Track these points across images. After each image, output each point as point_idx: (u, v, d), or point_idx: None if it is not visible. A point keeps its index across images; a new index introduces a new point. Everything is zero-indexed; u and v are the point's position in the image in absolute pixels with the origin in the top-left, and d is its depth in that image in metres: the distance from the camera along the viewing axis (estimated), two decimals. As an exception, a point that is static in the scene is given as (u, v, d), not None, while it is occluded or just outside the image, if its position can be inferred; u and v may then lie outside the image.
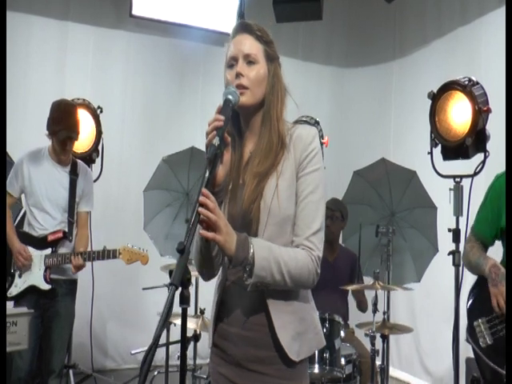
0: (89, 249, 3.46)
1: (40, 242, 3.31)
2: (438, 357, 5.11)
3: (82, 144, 3.95)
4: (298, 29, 5.94)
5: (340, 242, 4.44)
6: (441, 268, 4.13)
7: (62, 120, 3.30)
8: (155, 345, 1.22)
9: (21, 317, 2.82)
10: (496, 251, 2.48)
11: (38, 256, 3.30)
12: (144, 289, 3.68)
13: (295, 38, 5.85)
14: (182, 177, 4.56)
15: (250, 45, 1.73)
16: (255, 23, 1.76)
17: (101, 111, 4.04)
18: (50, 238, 3.31)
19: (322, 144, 4.54)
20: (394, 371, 5.69)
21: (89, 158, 4.02)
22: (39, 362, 3.20)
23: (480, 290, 2.35)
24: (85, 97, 4.17)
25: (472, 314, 2.38)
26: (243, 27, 1.75)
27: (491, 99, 4.23)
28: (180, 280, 1.32)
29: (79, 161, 3.59)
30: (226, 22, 5.31)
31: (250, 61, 1.73)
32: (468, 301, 2.40)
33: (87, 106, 4.02)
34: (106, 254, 3.29)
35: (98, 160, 4.12)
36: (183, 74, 5.71)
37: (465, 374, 3.71)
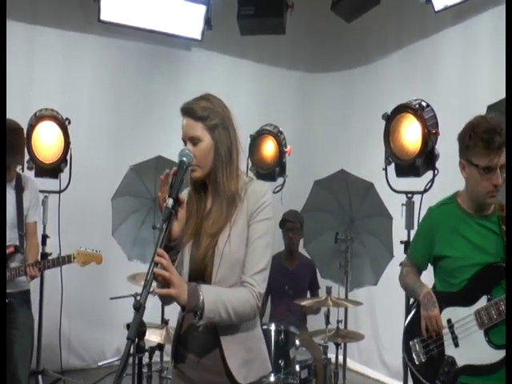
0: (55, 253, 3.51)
1: None
2: (395, 351, 5.35)
3: (51, 155, 4.04)
4: (265, 34, 6.06)
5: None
6: (396, 272, 4.37)
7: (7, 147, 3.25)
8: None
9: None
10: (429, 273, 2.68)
11: None
12: (111, 298, 3.82)
13: (261, 43, 5.94)
14: (149, 183, 4.69)
15: (191, 128, 1.95)
16: (194, 102, 1.97)
17: (69, 122, 4.10)
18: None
19: (284, 152, 4.75)
20: (353, 364, 5.98)
21: (57, 168, 4.11)
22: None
23: (416, 312, 2.53)
24: (52, 102, 4.23)
25: (408, 334, 2.53)
26: (184, 111, 1.97)
27: (446, 112, 4.46)
28: (136, 334, 1.49)
29: (22, 173, 3.64)
30: (193, 27, 5.41)
31: (194, 142, 1.95)
32: (405, 322, 2.59)
33: (55, 117, 4.05)
34: (62, 261, 3.41)
35: (67, 169, 4.20)
36: (150, 78, 5.77)
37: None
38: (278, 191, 4.82)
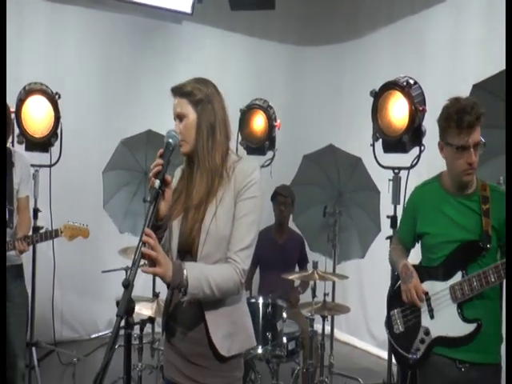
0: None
1: None
2: (382, 322, 5.51)
3: (41, 129, 4.04)
4: (256, 6, 6.02)
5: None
6: (384, 245, 4.46)
7: None
8: (105, 369, 1.47)
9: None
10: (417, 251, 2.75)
11: None
12: (103, 272, 3.89)
13: (252, 17, 5.91)
14: (139, 157, 4.73)
15: (178, 105, 2.05)
16: (183, 82, 2.08)
17: (59, 97, 4.11)
18: None
19: (274, 127, 4.78)
20: (341, 335, 6.12)
21: (47, 142, 4.12)
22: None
23: (397, 286, 2.63)
24: (42, 76, 4.22)
25: (390, 304, 2.65)
26: (172, 90, 2.08)
27: (434, 89, 4.48)
28: (125, 310, 1.56)
29: (12, 148, 3.66)
30: (183, 1, 5.38)
31: (180, 118, 2.04)
32: (388, 294, 2.70)
33: (45, 91, 4.05)
34: (49, 235, 3.44)
35: (57, 143, 4.21)
36: (141, 52, 5.74)
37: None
38: (267, 165, 4.87)
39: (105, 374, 1.47)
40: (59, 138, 4.19)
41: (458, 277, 2.39)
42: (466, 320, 2.36)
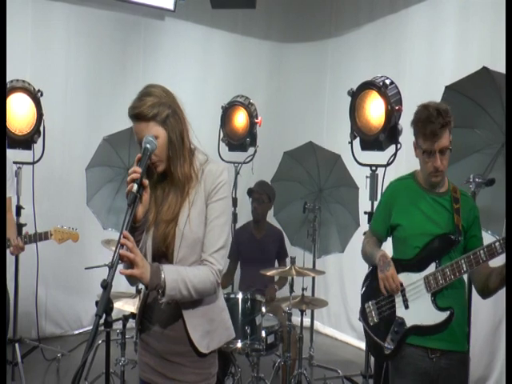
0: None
1: None
2: (360, 314, 5.65)
3: (23, 126, 4.07)
4: (238, 2, 6.06)
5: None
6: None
7: None
8: (81, 370, 1.54)
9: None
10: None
11: None
12: (86, 268, 3.93)
13: (235, 13, 5.95)
14: (123, 153, 4.76)
15: (145, 130, 1.96)
16: (139, 104, 1.96)
17: (41, 94, 4.12)
18: None
19: (255, 124, 4.86)
20: (323, 328, 6.23)
21: (30, 139, 4.14)
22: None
23: (371, 279, 2.69)
24: (25, 73, 4.24)
25: (364, 297, 2.72)
26: (134, 117, 1.98)
27: (411, 88, 4.57)
28: (103, 310, 1.63)
29: None
30: (166, -3, 5.42)
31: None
32: (362, 287, 2.78)
33: (26, 89, 4.07)
34: (39, 237, 3.49)
35: (40, 140, 4.23)
36: (125, 48, 5.73)
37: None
38: (248, 161, 4.95)
39: (81, 374, 1.53)
40: (42, 135, 4.22)
41: (431, 268, 2.49)
42: (439, 308, 2.47)
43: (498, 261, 2.41)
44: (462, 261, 2.41)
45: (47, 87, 4.22)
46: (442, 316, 2.46)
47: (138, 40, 5.79)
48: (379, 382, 3.51)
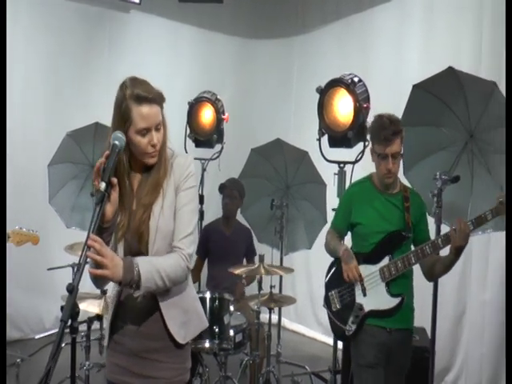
0: None
1: None
2: (328, 309, 5.68)
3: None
4: (206, -2, 5.98)
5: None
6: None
7: None
8: (47, 376, 1.48)
9: None
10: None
11: None
12: (49, 269, 3.84)
13: (201, 8, 5.88)
14: (87, 150, 4.64)
15: (157, 115, 2.00)
16: (150, 87, 2.00)
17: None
18: None
19: (222, 120, 4.81)
20: (290, 324, 6.26)
21: (-11, 135, 4.03)
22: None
23: (335, 269, 3.00)
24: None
25: (328, 286, 3.02)
26: (150, 100, 1.97)
27: (378, 86, 4.60)
28: (69, 316, 1.57)
29: None
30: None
31: (158, 128, 2.01)
32: (326, 277, 3.06)
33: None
34: None
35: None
36: (89, 41, 5.60)
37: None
38: (215, 158, 4.91)
39: (48, 381, 1.48)
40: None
41: (385, 260, 2.83)
42: (392, 295, 2.82)
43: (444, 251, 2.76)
44: (411, 254, 2.76)
45: (9, 80, 4.09)
46: (395, 301, 2.81)
47: (103, 33, 5.67)
48: (347, 377, 3.56)
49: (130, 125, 1.96)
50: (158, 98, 1.99)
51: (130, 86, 1.97)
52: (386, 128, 2.75)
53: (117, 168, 1.93)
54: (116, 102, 1.99)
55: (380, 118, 2.82)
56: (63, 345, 4.13)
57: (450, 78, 3.05)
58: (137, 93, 1.95)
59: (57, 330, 1.56)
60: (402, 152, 2.83)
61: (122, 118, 1.96)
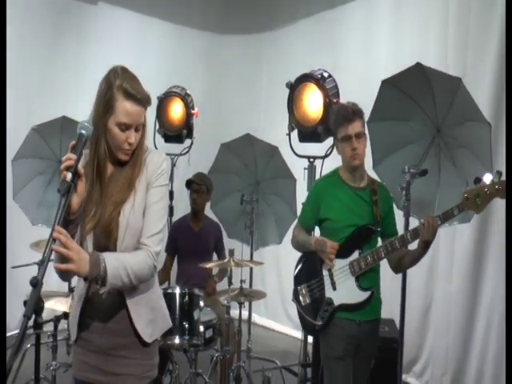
0: None
1: None
2: (298, 304, 5.71)
3: None
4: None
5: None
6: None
7: None
8: (7, 374, 1.44)
9: None
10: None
11: None
12: (13, 267, 3.74)
13: (171, 2, 5.84)
14: (54, 144, 4.54)
15: (140, 116, 2.01)
16: (139, 87, 2.00)
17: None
18: None
19: (192, 115, 4.78)
20: (260, 319, 6.27)
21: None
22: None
23: (303, 263, 3.01)
24: None
25: (297, 281, 3.00)
26: (139, 100, 1.97)
27: (348, 82, 4.63)
28: (33, 311, 1.53)
29: None
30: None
31: (138, 129, 2.02)
32: (294, 271, 3.03)
33: None
34: None
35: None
36: (56, 32, 5.49)
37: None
38: (185, 153, 4.87)
39: (6, 380, 1.43)
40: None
41: (355, 255, 2.84)
42: (362, 289, 2.84)
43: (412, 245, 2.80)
44: (381, 249, 2.78)
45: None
46: (365, 295, 2.83)
47: (70, 24, 5.57)
48: (317, 370, 3.57)
49: (112, 114, 1.95)
50: (145, 101, 1.99)
51: (120, 77, 1.96)
52: (346, 108, 2.84)
53: (98, 157, 1.97)
54: (102, 86, 1.98)
55: (341, 106, 2.96)
56: (28, 346, 4.11)
57: (418, 73, 3.08)
58: (126, 87, 1.94)
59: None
60: (365, 133, 2.88)
61: (106, 105, 1.95)
